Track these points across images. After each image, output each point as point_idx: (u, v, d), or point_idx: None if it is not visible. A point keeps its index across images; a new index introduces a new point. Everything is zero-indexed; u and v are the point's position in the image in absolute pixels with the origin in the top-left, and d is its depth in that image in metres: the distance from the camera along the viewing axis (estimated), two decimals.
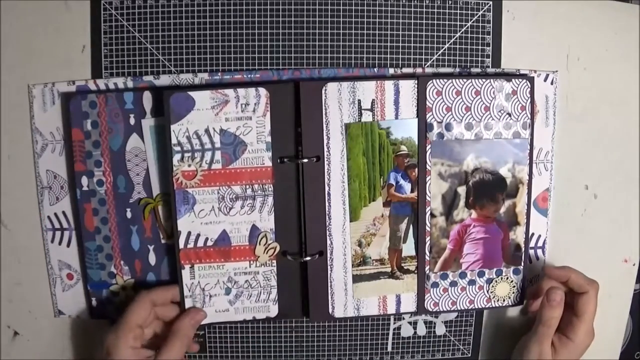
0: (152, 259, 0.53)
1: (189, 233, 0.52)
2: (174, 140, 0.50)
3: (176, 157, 0.50)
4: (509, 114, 0.52)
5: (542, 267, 0.56)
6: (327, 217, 0.52)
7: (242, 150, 0.51)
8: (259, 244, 0.52)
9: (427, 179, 0.52)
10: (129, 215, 0.52)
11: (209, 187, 0.51)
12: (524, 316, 0.58)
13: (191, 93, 0.50)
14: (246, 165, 0.51)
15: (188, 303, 0.53)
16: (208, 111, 0.50)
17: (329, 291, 0.54)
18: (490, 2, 0.53)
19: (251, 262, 0.53)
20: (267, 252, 0.52)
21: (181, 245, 0.52)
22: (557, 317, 0.51)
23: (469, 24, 0.53)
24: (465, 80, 0.51)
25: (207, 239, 0.52)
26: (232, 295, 0.53)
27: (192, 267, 0.52)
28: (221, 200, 0.51)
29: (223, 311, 0.53)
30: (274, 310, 0.54)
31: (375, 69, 0.53)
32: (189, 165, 0.51)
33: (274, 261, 0.53)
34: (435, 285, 0.54)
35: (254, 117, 0.50)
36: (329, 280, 0.53)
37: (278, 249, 0.52)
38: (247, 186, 0.51)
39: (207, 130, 0.50)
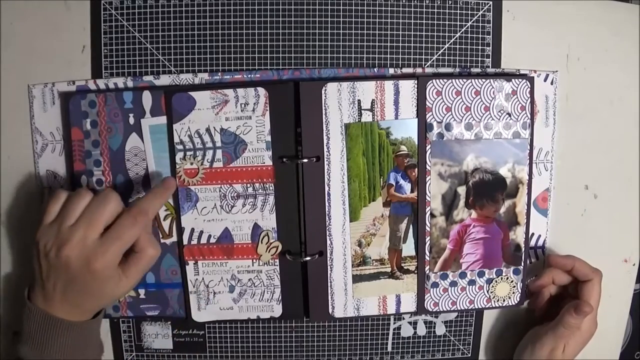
0: None
1: (192, 230, 0.52)
2: (176, 139, 0.51)
3: (178, 155, 0.51)
4: (509, 114, 0.52)
5: (545, 256, 0.56)
6: (327, 217, 0.52)
7: (243, 149, 0.51)
8: (261, 242, 0.52)
9: (427, 179, 0.52)
10: None
11: (210, 185, 0.51)
12: (524, 316, 0.58)
13: (192, 93, 0.50)
14: (247, 164, 0.51)
15: (193, 299, 0.53)
16: (208, 110, 0.50)
17: (329, 291, 0.54)
18: (490, 2, 0.53)
19: (254, 260, 0.53)
20: (269, 251, 0.52)
21: (185, 242, 0.52)
22: (580, 324, 0.51)
23: (469, 24, 0.53)
24: (465, 80, 0.51)
25: (210, 235, 0.52)
26: (235, 293, 0.53)
27: (196, 264, 0.53)
28: (223, 198, 0.52)
29: (227, 309, 0.54)
30: (277, 310, 0.54)
31: (375, 69, 0.53)
32: (191, 164, 0.51)
33: (277, 260, 0.53)
34: (435, 285, 0.54)
35: (254, 117, 0.50)
36: (329, 281, 0.53)
37: (280, 248, 0.52)
38: (248, 185, 0.51)
39: (207, 130, 0.51)
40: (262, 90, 0.50)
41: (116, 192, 0.47)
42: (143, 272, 0.48)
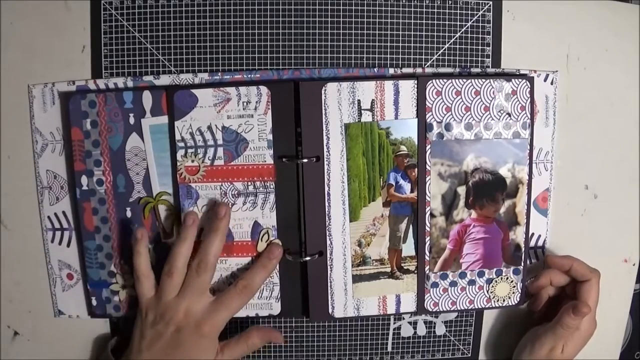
0: (152, 258, 0.53)
1: None
2: (177, 137, 0.51)
3: (180, 153, 0.51)
4: (509, 114, 0.52)
5: (544, 256, 0.56)
6: (327, 217, 0.52)
7: (244, 147, 0.51)
8: (261, 240, 0.52)
9: (427, 179, 0.52)
10: (128, 214, 0.52)
11: (211, 183, 0.51)
12: (524, 316, 0.58)
13: (194, 90, 0.50)
14: (248, 162, 0.51)
15: None
16: (210, 108, 0.50)
17: (329, 291, 0.54)
18: (490, 2, 0.53)
19: (253, 258, 0.53)
20: None
21: None
22: (579, 324, 0.51)
23: (469, 24, 0.53)
24: (465, 80, 0.51)
25: None
26: None
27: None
28: (223, 196, 0.52)
29: None
30: (276, 308, 0.54)
31: (375, 69, 0.53)
32: (192, 161, 0.51)
33: None
34: (435, 285, 0.54)
35: (255, 115, 0.51)
36: (328, 280, 0.53)
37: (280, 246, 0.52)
38: (249, 183, 0.51)
39: (209, 127, 0.51)
40: (264, 89, 0.50)
41: (217, 254, 0.49)
42: (240, 356, 0.50)
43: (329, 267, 0.53)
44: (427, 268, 0.54)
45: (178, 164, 0.51)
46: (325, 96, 0.50)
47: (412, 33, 0.53)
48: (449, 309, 0.55)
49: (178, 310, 0.48)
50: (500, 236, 0.54)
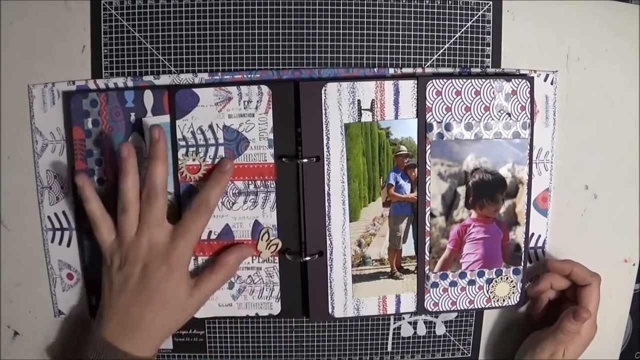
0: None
1: None
2: (178, 135, 0.51)
3: (181, 152, 0.51)
4: (509, 114, 0.52)
5: (544, 261, 0.56)
6: (326, 217, 0.52)
7: (245, 146, 0.51)
8: (261, 239, 0.52)
9: (427, 179, 0.52)
10: None
11: None
12: (524, 316, 0.58)
13: (195, 90, 0.50)
14: (249, 162, 0.51)
15: None
16: (211, 107, 0.50)
17: (329, 291, 0.54)
18: (490, 2, 0.53)
19: (253, 257, 0.53)
20: (269, 248, 0.52)
21: None
22: (580, 329, 0.51)
23: (469, 24, 0.53)
24: (465, 80, 0.51)
25: (210, 232, 0.52)
26: (235, 289, 0.53)
27: (196, 259, 0.52)
28: (224, 195, 0.52)
29: (226, 305, 0.54)
30: (276, 308, 0.54)
31: (375, 69, 0.53)
32: (193, 160, 0.51)
33: (277, 258, 0.53)
34: (435, 285, 0.54)
35: (256, 114, 0.51)
36: (328, 281, 0.53)
37: (280, 245, 0.52)
38: (250, 182, 0.52)
39: (210, 126, 0.51)
40: (265, 88, 0.50)
41: (163, 179, 0.47)
42: (219, 286, 0.49)
43: (329, 267, 0.53)
44: (427, 268, 0.54)
45: (179, 162, 0.51)
46: (325, 96, 0.50)
47: (412, 33, 0.53)
48: (449, 309, 0.55)
49: (140, 247, 0.46)
50: (500, 236, 0.54)
